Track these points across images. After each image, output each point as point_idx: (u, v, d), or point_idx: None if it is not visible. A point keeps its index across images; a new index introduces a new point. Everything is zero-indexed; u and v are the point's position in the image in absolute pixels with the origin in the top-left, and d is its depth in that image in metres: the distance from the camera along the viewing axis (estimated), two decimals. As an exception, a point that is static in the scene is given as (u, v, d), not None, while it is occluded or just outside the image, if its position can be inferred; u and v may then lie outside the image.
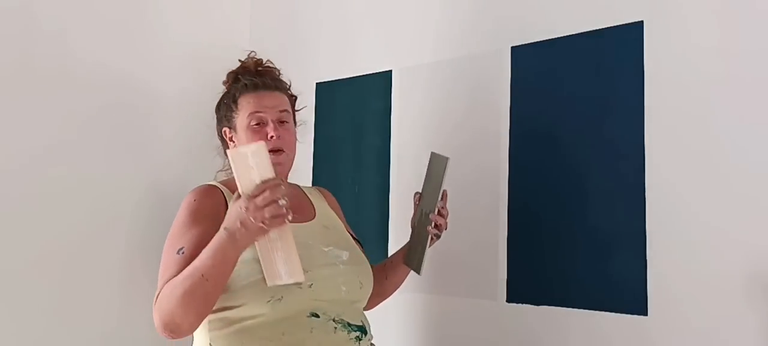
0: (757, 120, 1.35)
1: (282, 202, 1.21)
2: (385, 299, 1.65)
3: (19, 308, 1.81)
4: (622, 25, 1.53)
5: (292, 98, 1.57)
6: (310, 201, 1.56)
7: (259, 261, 1.30)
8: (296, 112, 1.59)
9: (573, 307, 1.56)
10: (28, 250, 1.83)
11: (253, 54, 1.56)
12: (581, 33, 1.59)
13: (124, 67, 2.02)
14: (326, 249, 1.43)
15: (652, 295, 1.44)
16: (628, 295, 1.47)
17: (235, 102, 1.50)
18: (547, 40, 1.65)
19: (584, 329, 1.54)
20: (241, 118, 1.48)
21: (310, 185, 1.66)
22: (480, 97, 1.76)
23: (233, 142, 1.52)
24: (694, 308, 1.39)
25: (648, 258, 1.46)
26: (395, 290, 1.66)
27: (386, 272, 1.62)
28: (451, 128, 1.81)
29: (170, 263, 1.35)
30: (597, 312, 1.52)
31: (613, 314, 1.50)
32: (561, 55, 1.63)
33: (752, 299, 1.33)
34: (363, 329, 1.43)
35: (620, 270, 1.49)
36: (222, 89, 1.57)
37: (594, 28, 1.57)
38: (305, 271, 1.31)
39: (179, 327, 1.30)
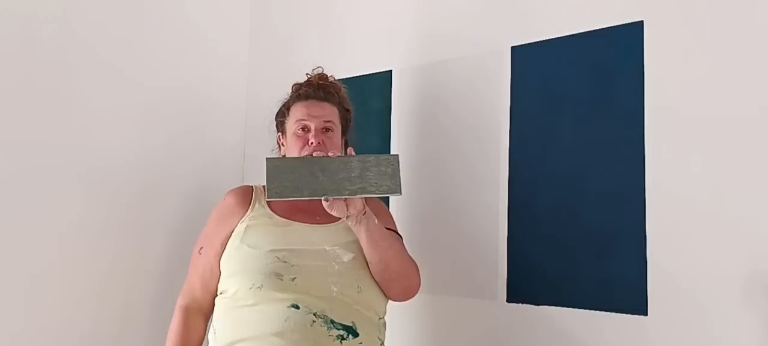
0: (757, 120, 1.35)
1: None
2: (392, 275, 1.50)
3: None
4: (622, 25, 1.53)
5: (344, 111, 1.68)
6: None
7: (250, 247, 1.47)
8: (349, 124, 1.69)
9: (573, 307, 1.56)
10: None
11: (318, 69, 1.70)
12: (581, 33, 1.59)
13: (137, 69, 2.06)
14: (328, 249, 1.49)
15: (652, 295, 1.44)
16: (628, 295, 1.47)
17: (288, 109, 1.66)
18: (547, 40, 1.65)
19: (584, 329, 1.54)
20: (290, 124, 1.63)
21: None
22: (480, 97, 1.76)
23: (284, 146, 1.67)
24: (694, 308, 1.39)
25: (648, 258, 1.46)
26: (382, 258, 1.48)
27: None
28: (451, 128, 1.81)
29: (194, 260, 1.61)
30: (597, 312, 1.52)
31: (613, 314, 1.50)
32: (561, 55, 1.63)
33: (752, 299, 1.33)
34: (352, 331, 1.43)
35: (620, 270, 1.49)
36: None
37: (594, 28, 1.57)
38: (291, 264, 1.44)
39: None
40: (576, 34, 1.60)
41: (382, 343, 1.53)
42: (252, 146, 2.26)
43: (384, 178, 1.38)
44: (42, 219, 1.83)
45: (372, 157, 1.39)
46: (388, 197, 1.79)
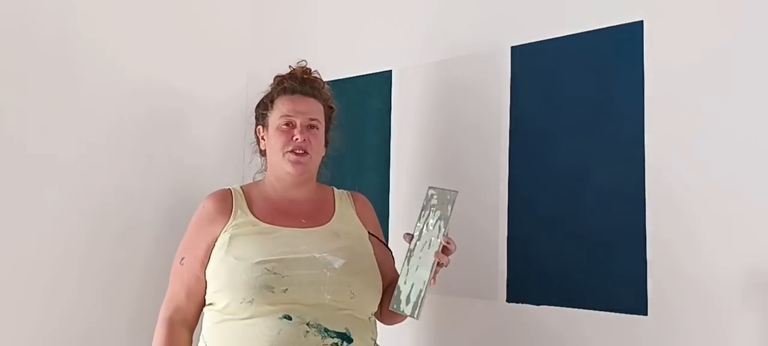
0: (757, 120, 1.35)
1: None
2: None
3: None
4: (622, 25, 1.53)
5: (329, 109, 1.65)
6: (334, 206, 1.62)
7: (237, 259, 1.45)
8: (331, 122, 1.67)
9: (573, 307, 1.56)
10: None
11: (302, 62, 1.65)
12: (581, 33, 1.59)
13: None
14: (318, 256, 1.47)
15: (652, 295, 1.44)
16: (628, 295, 1.47)
17: (272, 102, 1.61)
18: (547, 40, 1.65)
19: (584, 329, 1.54)
20: (274, 117, 1.59)
21: (348, 190, 1.71)
22: (480, 97, 1.76)
23: (264, 139, 1.63)
24: (694, 308, 1.39)
25: (648, 258, 1.46)
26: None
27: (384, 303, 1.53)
28: (451, 128, 1.81)
29: (176, 270, 1.56)
30: (597, 312, 1.52)
31: (613, 314, 1.50)
32: (561, 55, 1.63)
33: (752, 299, 1.33)
34: (346, 338, 1.43)
35: (620, 270, 1.49)
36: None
37: (594, 28, 1.58)
38: (282, 276, 1.42)
39: None
40: (576, 34, 1.60)
41: (375, 342, 1.52)
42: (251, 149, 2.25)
43: (416, 294, 1.40)
44: (30, 218, 1.83)
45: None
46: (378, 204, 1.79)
